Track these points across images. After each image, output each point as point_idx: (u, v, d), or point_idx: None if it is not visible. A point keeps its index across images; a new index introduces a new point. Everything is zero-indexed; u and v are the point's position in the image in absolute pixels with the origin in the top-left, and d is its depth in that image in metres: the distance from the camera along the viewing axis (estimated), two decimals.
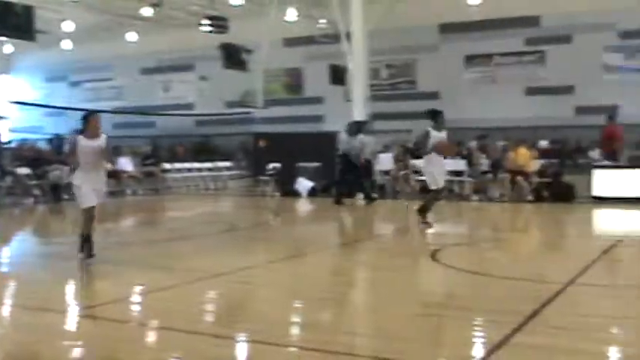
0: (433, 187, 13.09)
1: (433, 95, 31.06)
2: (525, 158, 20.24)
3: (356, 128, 19.56)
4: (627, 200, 17.69)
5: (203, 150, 34.16)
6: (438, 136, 12.87)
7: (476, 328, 6.07)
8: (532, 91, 29.54)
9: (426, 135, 12.89)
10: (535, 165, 20.42)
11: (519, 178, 19.57)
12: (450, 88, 30.96)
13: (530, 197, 19.42)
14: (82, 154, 9.35)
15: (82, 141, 9.38)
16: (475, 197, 20.24)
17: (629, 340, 5.64)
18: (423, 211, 13.21)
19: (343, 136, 19.56)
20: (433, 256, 9.83)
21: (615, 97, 27.48)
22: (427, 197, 13.64)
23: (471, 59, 31.48)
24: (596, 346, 5.37)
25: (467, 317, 6.33)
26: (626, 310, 6.54)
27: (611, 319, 6.24)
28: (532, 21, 29.82)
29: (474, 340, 5.73)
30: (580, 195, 18.76)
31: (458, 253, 10.85)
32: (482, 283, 8.15)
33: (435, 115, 13.10)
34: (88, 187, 9.33)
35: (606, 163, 19.89)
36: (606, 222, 16.22)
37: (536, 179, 19.82)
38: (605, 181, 18.63)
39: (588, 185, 18.72)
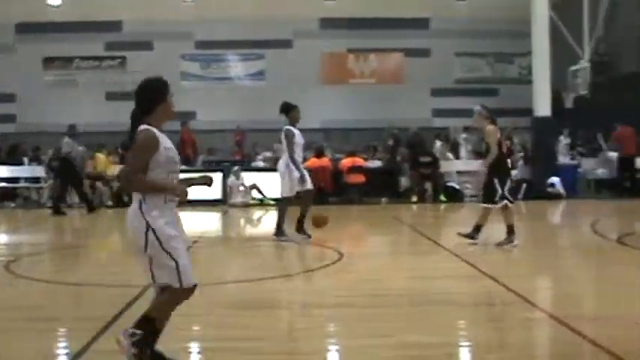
0: (286, 195, 11.69)
1: (10, 97, 29.44)
2: (104, 164, 20.20)
3: None
4: (202, 203, 18.56)
5: None
6: (299, 134, 11.55)
7: (55, 339, 5.86)
8: (113, 96, 29.42)
9: (291, 134, 11.48)
10: (115, 170, 20.46)
11: (99, 183, 19.45)
12: (29, 90, 29.61)
13: (110, 202, 19.40)
14: (166, 162, 4.79)
15: (162, 138, 4.81)
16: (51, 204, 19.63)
17: (208, 334, 5.88)
18: (279, 227, 11.70)
19: (66, 139, 17.60)
20: (7, 267, 9.30)
21: (192, 104, 28.63)
22: (279, 210, 12.01)
23: (50, 61, 30.42)
24: (179, 344, 5.54)
25: (46, 328, 6.09)
26: (204, 308, 6.80)
27: (191, 317, 6.45)
28: (113, 26, 29.76)
29: (54, 351, 5.53)
30: None
31: (35, 262, 10.40)
32: (60, 292, 7.90)
33: (289, 110, 11.66)
34: (183, 243, 4.96)
35: (182, 167, 20.62)
36: (183, 224, 16.76)
37: (116, 184, 19.86)
38: None
39: None
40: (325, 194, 19.14)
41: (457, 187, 20.26)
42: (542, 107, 20.31)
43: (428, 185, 19.94)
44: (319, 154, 19.89)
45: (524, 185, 19.77)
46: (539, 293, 7.87)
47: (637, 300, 7.00)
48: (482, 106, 10.85)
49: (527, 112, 20.96)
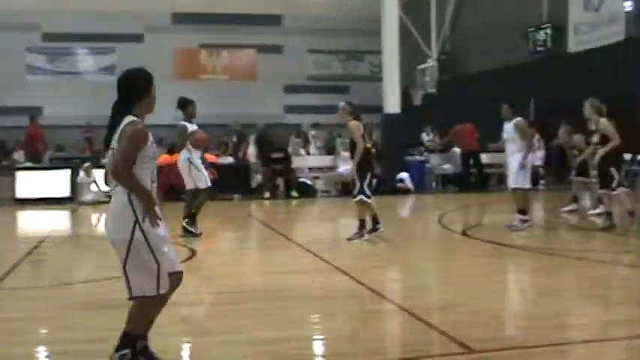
0: (203, 186, 11.46)
1: None
2: None
3: None
4: (50, 200, 17.93)
5: None
6: (194, 129, 11.33)
7: None
8: None
9: (185, 130, 11.23)
10: None
11: None
12: None
13: None
14: (152, 158, 4.54)
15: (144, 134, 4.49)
16: None
17: (56, 338, 5.67)
18: (192, 218, 11.48)
19: None
20: None
21: (39, 99, 27.56)
22: (198, 200, 11.59)
23: None
24: (25, 349, 5.31)
25: None
26: (51, 310, 6.56)
27: (37, 320, 6.21)
28: None
29: None
30: (2, 197, 18.39)
31: None
32: None
33: (185, 106, 11.31)
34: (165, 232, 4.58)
35: (29, 164, 19.85)
36: (29, 223, 16.14)
37: None
38: (28, 182, 18.58)
39: (11, 187, 18.47)
40: (178, 191, 18.86)
41: (309, 182, 20.48)
42: (392, 104, 20.83)
43: (280, 181, 20.04)
44: (171, 150, 19.57)
45: (375, 181, 20.20)
46: (390, 285, 8.08)
47: (480, 289, 7.32)
48: (347, 102, 10.99)
49: (378, 109, 21.47)
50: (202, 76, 28.96)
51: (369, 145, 10.79)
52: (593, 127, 11.69)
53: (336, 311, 6.58)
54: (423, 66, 28.13)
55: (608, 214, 11.72)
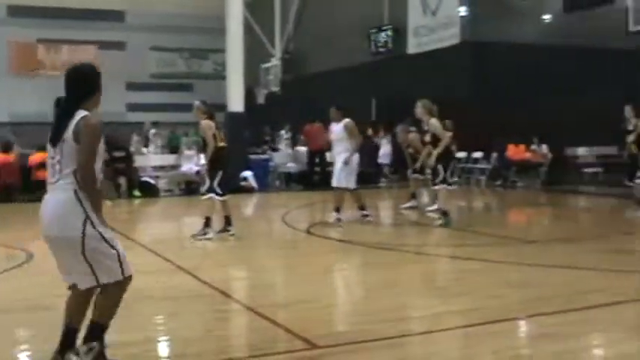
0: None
1: None
2: None
3: None
4: None
5: None
6: None
7: None
8: None
9: None
10: None
11: None
12: None
13: None
14: (100, 151, 4.39)
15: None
16: None
17: None
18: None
19: None
20: None
21: None
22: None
23: None
24: None
25: None
26: None
27: None
28: None
29: None
30: None
31: None
32: None
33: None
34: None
35: None
36: None
37: None
38: None
39: None
40: (12, 192, 18.06)
41: (152, 181, 20.12)
42: (236, 103, 20.77)
43: (122, 180, 19.57)
44: (5, 149, 18.71)
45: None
46: (235, 284, 8.10)
47: (324, 285, 7.48)
48: (202, 101, 10.89)
49: (222, 107, 21.38)
50: (41, 71, 27.84)
51: (222, 144, 10.72)
52: (426, 128, 12.16)
53: (181, 311, 6.51)
54: (266, 65, 28.30)
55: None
